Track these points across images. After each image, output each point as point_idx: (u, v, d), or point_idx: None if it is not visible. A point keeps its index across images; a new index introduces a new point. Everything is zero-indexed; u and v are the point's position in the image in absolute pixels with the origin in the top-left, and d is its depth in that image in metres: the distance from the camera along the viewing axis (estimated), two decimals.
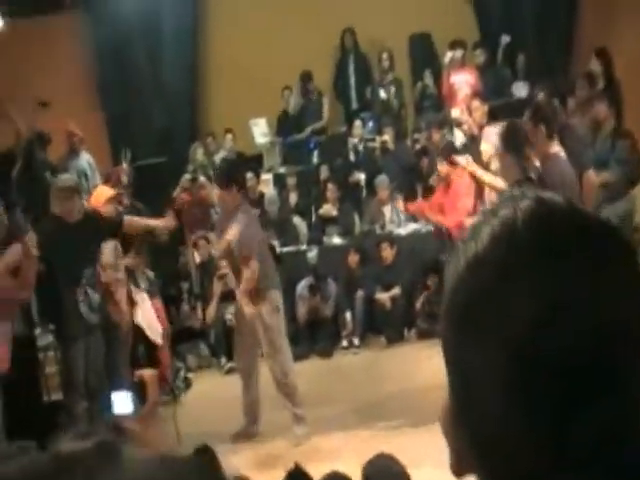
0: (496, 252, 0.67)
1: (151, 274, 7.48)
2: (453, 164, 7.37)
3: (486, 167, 7.83)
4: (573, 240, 0.67)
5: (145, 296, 7.36)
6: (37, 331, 6.61)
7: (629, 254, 0.69)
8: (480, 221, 0.70)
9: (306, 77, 10.73)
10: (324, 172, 9.75)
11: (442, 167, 7.62)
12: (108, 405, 5.64)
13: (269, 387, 6.12)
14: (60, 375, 6.35)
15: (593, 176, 7.69)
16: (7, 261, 5.36)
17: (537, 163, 5.45)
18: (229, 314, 8.36)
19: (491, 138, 8.05)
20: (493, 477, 0.68)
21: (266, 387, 6.20)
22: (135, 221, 6.47)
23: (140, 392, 6.43)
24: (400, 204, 9.08)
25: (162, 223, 6.63)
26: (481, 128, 8.70)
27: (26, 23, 11.03)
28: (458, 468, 0.71)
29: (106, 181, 7.00)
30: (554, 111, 6.53)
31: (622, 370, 0.66)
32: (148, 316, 7.31)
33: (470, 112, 9.08)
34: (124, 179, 7.38)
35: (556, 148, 5.96)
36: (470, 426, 0.68)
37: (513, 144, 5.35)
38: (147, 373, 6.89)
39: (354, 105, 10.99)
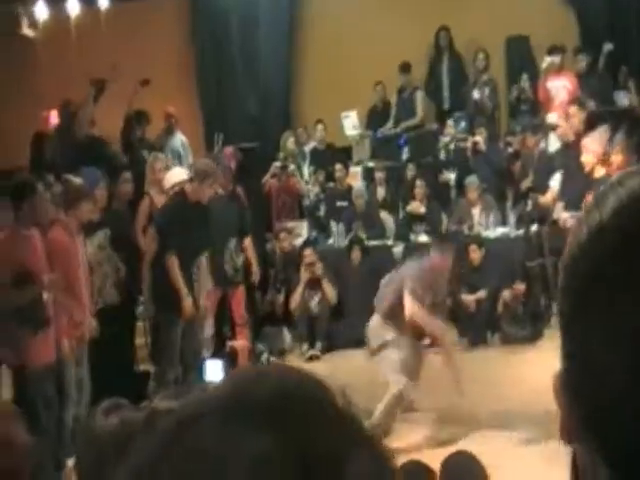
0: (622, 220, 0.65)
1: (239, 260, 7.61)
2: None
3: (589, 176, 7.75)
4: None
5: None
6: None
7: None
8: (604, 191, 0.68)
9: (404, 68, 10.72)
10: (412, 169, 9.74)
11: None
12: (201, 372, 5.81)
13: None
14: (154, 347, 6.52)
15: None
16: None
17: None
18: (313, 302, 8.47)
19: (591, 147, 7.95)
20: (605, 448, 0.65)
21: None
22: None
23: (232, 361, 6.60)
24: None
25: None
26: (577, 135, 8.58)
27: (131, 5, 11.33)
28: (568, 436, 0.70)
29: (217, 163, 7.12)
30: None
31: None
32: None
33: (567, 118, 8.98)
34: (232, 164, 7.52)
35: None
36: (585, 397, 0.66)
37: None
38: (239, 343, 7.06)
39: (446, 104, 10.94)
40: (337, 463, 0.59)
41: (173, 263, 6.04)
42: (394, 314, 5.95)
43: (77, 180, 6.00)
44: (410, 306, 5.89)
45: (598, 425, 0.65)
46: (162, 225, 6.18)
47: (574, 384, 0.67)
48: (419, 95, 10.78)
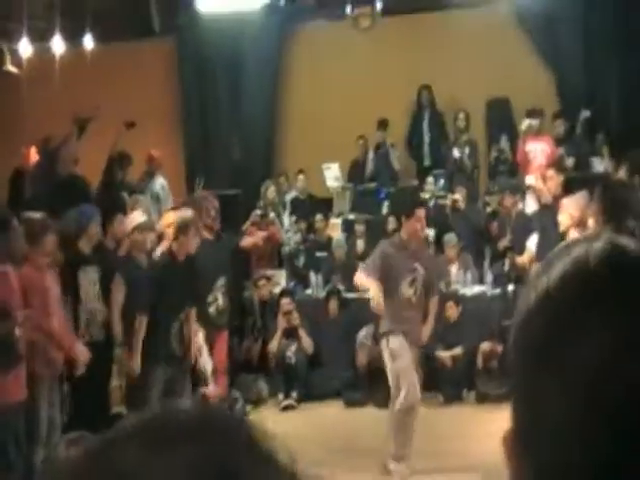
0: (567, 289, 0.68)
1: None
2: None
3: (562, 238, 7.87)
4: None
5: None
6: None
7: None
8: (552, 259, 0.71)
9: (382, 125, 10.87)
10: (393, 222, 9.80)
11: None
12: None
13: None
14: (131, 390, 6.44)
15: None
16: None
17: None
18: (289, 351, 8.42)
19: (569, 209, 8.10)
20: None
21: None
22: None
23: None
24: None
25: None
26: (555, 198, 8.74)
27: (116, 46, 11.38)
28: None
29: (198, 209, 7.13)
30: (628, 190, 6.51)
31: None
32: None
33: (545, 180, 9.15)
34: (215, 204, 7.57)
35: None
36: (532, 453, 0.68)
37: (617, 215, 5.35)
38: (210, 390, 6.98)
39: (427, 161, 11.09)
40: None
41: (141, 323, 6.13)
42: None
43: (37, 215, 5.97)
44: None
45: None
46: (148, 287, 6.22)
47: (524, 442, 0.69)
48: (392, 152, 10.91)
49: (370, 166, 11.02)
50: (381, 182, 10.78)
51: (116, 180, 9.44)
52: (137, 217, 7.05)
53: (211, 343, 7.16)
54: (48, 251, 5.82)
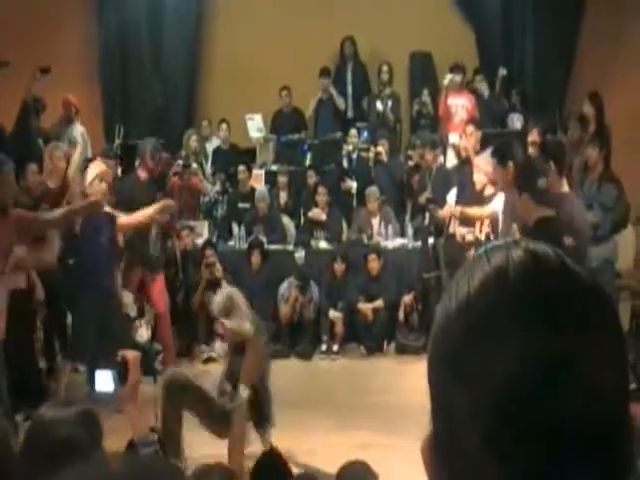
0: (486, 299, 0.69)
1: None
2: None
3: (479, 195, 8.05)
4: (561, 297, 0.68)
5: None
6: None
7: (614, 317, 0.71)
8: (472, 264, 0.72)
9: (324, 72, 10.78)
10: (313, 176, 9.81)
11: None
12: (92, 383, 5.67)
13: None
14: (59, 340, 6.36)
15: None
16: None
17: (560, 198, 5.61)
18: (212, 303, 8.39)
19: (482, 166, 8.27)
20: None
21: None
22: (128, 221, 6.55)
23: (123, 372, 6.46)
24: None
25: (156, 211, 6.65)
26: (475, 153, 8.90)
27: None
28: None
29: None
30: (562, 148, 6.72)
31: (602, 439, 0.66)
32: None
33: (465, 136, 9.29)
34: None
35: (567, 187, 6.17)
36: (447, 461, 0.70)
37: (527, 183, 5.50)
38: (130, 354, 6.87)
39: (349, 114, 11.09)
40: None
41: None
42: None
43: None
44: None
45: None
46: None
47: (439, 450, 0.71)
48: (338, 98, 10.85)
49: (311, 113, 10.89)
50: (323, 130, 10.71)
51: (30, 127, 9.09)
52: (96, 166, 6.86)
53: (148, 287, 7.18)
54: None
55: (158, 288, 7.56)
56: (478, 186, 8.06)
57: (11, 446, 2.11)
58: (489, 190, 7.92)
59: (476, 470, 0.67)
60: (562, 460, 0.65)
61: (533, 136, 8.60)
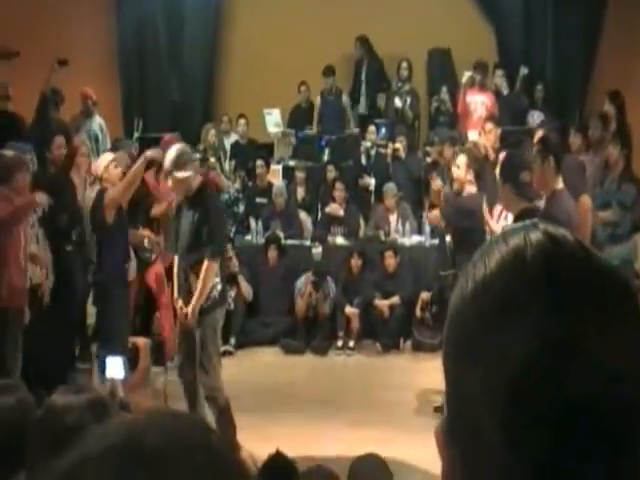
0: (503, 280, 0.67)
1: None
2: None
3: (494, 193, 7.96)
4: (579, 280, 0.66)
5: None
6: None
7: (634, 303, 0.69)
8: (490, 246, 0.71)
9: (328, 71, 10.75)
10: (332, 171, 9.79)
11: None
12: (102, 369, 5.70)
13: None
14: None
15: (588, 200, 7.81)
16: None
17: (542, 195, 5.56)
18: (229, 298, 8.39)
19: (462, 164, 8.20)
20: None
21: None
22: (118, 191, 6.24)
23: (132, 359, 6.49)
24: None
25: (143, 164, 6.22)
26: (494, 150, 8.83)
27: None
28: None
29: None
30: (562, 145, 6.65)
31: (616, 428, 0.64)
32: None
33: (484, 134, 9.22)
34: None
35: (561, 184, 6.11)
36: (460, 445, 0.69)
37: (510, 175, 5.47)
38: (140, 340, 6.89)
39: (362, 110, 11.04)
40: None
41: None
42: None
43: (9, 153, 5.83)
44: None
45: (472, 473, 0.68)
46: None
47: (452, 433, 0.70)
48: (345, 99, 10.83)
49: (316, 114, 10.86)
50: (328, 129, 10.68)
51: (50, 118, 9.13)
52: (107, 157, 6.86)
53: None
54: (18, 188, 5.79)
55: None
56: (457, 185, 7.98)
57: (31, 422, 2.14)
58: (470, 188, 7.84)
59: (488, 454, 0.66)
60: (572, 448, 0.64)
61: (538, 135, 8.55)
